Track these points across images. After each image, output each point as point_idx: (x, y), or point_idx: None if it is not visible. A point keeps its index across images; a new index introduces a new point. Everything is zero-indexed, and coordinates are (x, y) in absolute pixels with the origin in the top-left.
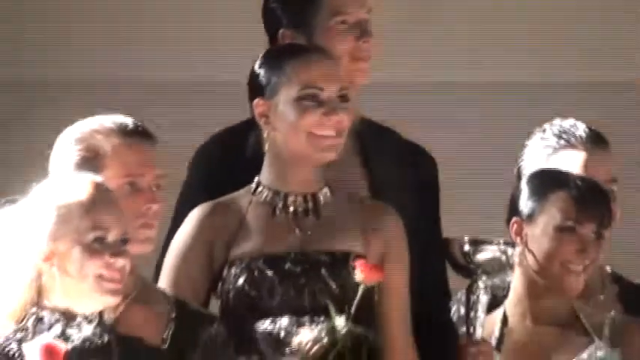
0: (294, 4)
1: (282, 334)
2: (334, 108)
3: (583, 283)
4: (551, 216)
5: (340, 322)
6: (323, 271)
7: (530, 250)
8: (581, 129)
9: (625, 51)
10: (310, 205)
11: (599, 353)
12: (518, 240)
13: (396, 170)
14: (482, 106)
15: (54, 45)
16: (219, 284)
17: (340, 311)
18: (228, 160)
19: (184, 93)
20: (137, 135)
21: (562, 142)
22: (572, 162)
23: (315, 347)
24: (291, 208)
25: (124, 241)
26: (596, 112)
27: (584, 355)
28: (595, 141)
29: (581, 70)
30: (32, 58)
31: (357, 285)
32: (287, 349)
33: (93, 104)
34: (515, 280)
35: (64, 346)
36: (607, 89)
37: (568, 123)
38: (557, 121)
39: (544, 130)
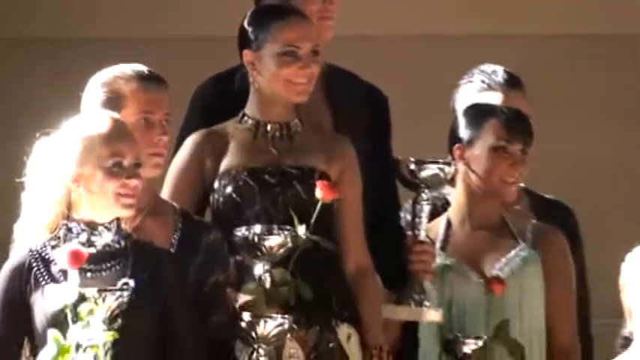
0: None
1: (256, 239)
2: (308, 62)
3: (516, 192)
4: (486, 139)
5: (301, 230)
6: (294, 182)
7: (472, 169)
8: (500, 75)
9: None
10: (284, 131)
11: (523, 253)
12: (461, 162)
13: (354, 107)
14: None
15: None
16: (211, 195)
17: (305, 220)
18: (219, 95)
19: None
20: (151, 80)
21: (484, 85)
22: (492, 100)
23: (281, 250)
24: (269, 134)
25: (137, 165)
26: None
27: (511, 254)
28: (510, 84)
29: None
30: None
31: (318, 200)
32: (258, 252)
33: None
34: (458, 194)
35: (86, 251)
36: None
37: (490, 69)
38: (482, 67)
39: (472, 75)
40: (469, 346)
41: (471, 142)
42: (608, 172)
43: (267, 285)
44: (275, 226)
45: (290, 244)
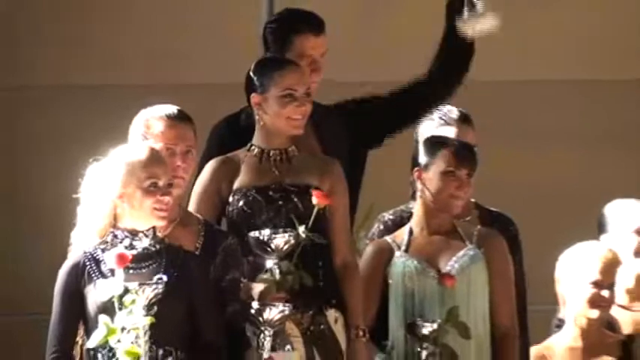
0: (276, 41)
1: (266, 239)
2: (303, 102)
3: (461, 206)
4: (439, 165)
5: (301, 230)
6: (293, 196)
7: (427, 188)
8: (454, 113)
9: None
10: (284, 156)
11: (470, 252)
12: (419, 182)
13: (336, 134)
14: None
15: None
16: (227, 208)
17: (302, 224)
18: (230, 131)
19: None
20: (175, 119)
21: (442, 121)
22: (448, 133)
23: (286, 246)
24: (272, 158)
25: (170, 185)
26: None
27: (461, 253)
28: (463, 120)
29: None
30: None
31: (314, 206)
32: (269, 249)
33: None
34: (418, 207)
35: (129, 253)
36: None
37: (446, 108)
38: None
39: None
40: (427, 329)
41: (427, 167)
42: (546, 192)
43: (277, 275)
44: (281, 229)
45: (293, 242)
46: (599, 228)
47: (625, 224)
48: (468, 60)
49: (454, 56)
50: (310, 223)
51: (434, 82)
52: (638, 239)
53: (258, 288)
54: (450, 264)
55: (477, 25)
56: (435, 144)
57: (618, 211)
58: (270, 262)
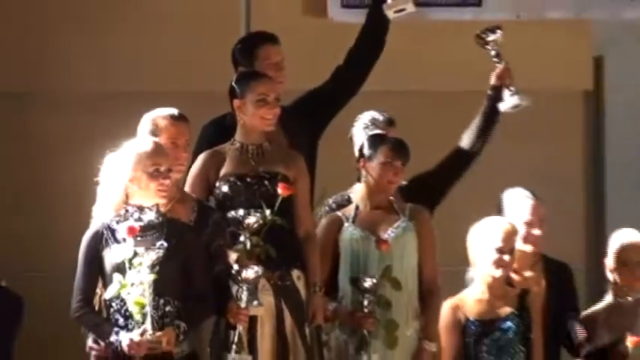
0: (244, 57)
1: (240, 218)
2: (273, 105)
3: (395, 189)
4: (379, 157)
5: (268, 212)
6: (266, 182)
7: (370, 175)
8: (380, 117)
9: None
10: (259, 150)
11: (403, 224)
12: (363, 170)
13: (296, 130)
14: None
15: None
16: (214, 191)
17: (271, 207)
18: (216, 130)
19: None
20: (177, 119)
21: (371, 124)
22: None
23: (256, 225)
24: (250, 151)
25: (169, 170)
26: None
27: (396, 224)
28: (388, 123)
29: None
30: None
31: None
32: (242, 226)
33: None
34: (363, 189)
35: (137, 225)
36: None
37: (374, 113)
38: (368, 113)
39: (362, 118)
40: (368, 283)
41: (370, 158)
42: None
43: (248, 247)
44: (252, 210)
45: (261, 221)
46: (497, 211)
47: (515, 214)
48: (382, 37)
49: (370, 34)
50: (275, 208)
51: (352, 63)
52: (525, 229)
53: (234, 255)
54: (388, 232)
55: (394, 6)
56: (377, 140)
57: (511, 202)
58: (242, 237)
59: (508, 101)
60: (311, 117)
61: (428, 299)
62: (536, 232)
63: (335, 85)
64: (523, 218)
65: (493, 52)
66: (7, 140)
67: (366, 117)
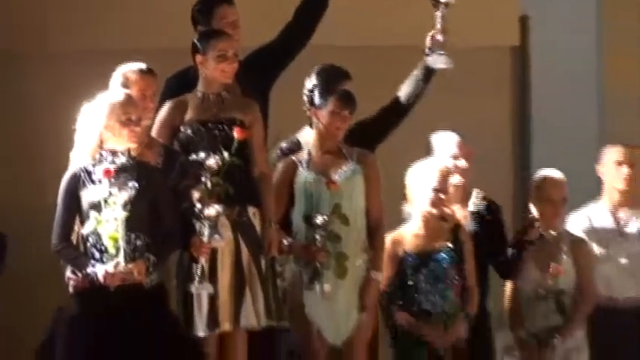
0: (203, 17)
1: (201, 160)
2: (232, 60)
3: (343, 135)
4: (328, 107)
5: (226, 154)
6: (225, 127)
7: (321, 122)
8: (335, 71)
9: None
10: (219, 98)
11: (351, 167)
12: (314, 118)
13: (249, 81)
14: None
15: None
16: (179, 135)
17: (229, 150)
18: (180, 82)
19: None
20: (145, 72)
21: (324, 77)
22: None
23: (215, 166)
24: (211, 100)
25: (139, 119)
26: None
27: (345, 167)
28: (342, 76)
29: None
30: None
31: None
32: (203, 168)
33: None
34: (314, 135)
35: (112, 168)
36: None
37: (325, 67)
38: (325, 66)
39: (316, 70)
40: (319, 220)
41: (320, 108)
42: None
43: (209, 186)
44: (212, 153)
45: (220, 163)
46: (427, 151)
47: (443, 150)
48: None
49: None
50: (233, 150)
51: (299, 19)
52: (453, 162)
53: (196, 194)
54: (338, 175)
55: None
56: (327, 92)
57: (439, 141)
58: (204, 177)
59: (437, 60)
60: (263, 70)
61: (374, 234)
62: (461, 163)
63: (284, 40)
64: (450, 152)
65: (440, 14)
66: None
67: (317, 69)
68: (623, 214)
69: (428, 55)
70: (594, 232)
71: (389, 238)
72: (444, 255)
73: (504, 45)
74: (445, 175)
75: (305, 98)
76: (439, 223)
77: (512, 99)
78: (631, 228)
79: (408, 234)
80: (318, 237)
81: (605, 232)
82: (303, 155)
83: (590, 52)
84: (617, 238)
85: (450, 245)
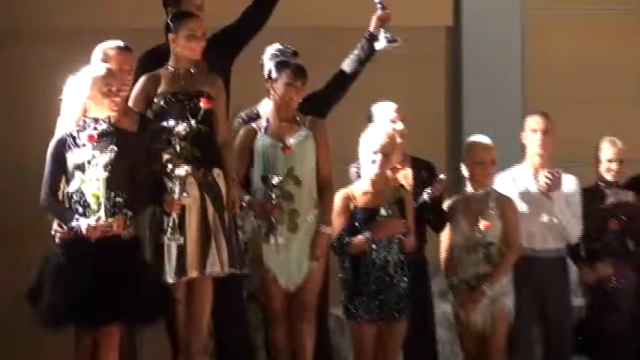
0: (173, 1)
1: (171, 127)
2: (200, 39)
3: (297, 104)
4: (283, 78)
5: (193, 122)
6: (194, 98)
7: (277, 93)
8: (285, 49)
9: None
10: (188, 72)
11: (304, 133)
12: (271, 89)
13: (215, 58)
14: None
15: None
16: (152, 106)
17: (195, 118)
18: (153, 59)
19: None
20: (123, 48)
21: (278, 54)
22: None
23: (183, 132)
24: (181, 74)
25: (119, 90)
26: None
27: (298, 133)
28: (292, 54)
29: None
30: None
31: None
32: (172, 133)
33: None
34: (272, 105)
35: (95, 133)
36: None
37: (280, 46)
38: (275, 45)
39: (270, 48)
40: (275, 180)
41: (276, 80)
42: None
43: (178, 150)
44: (180, 120)
45: (188, 129)
46: (368, 119)
47: (382, 117)
48: None
49: None
50: (199, 118)
51: (257, 3)
52: (392, 126)
53: (167, 157)
54: (292, 140)
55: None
56: (282, 65)
57: (379, 109)
58: (173, 142)
59: (382, 42)
60: (225, 48)
61: (324, 192)
62: (399, 126)
63: (244, 22)
64: (388, 117)
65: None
66: None
67: (273, 48)
68: (541, 175)
69: (372, 37)
70: (518, 192)
71: (341, 195)
72: (389, 211)
73: (440, 25)
74: (391, 139)
75: (265, 73)
76: (384, 182)
77: (446, 73)
78: (547, 180)
79: (358, 191)
80: (273, 196)
81: (528, 192)
82: (262, 123)
83: (515, 33)
84: (537, 196)
85: (393, 203)
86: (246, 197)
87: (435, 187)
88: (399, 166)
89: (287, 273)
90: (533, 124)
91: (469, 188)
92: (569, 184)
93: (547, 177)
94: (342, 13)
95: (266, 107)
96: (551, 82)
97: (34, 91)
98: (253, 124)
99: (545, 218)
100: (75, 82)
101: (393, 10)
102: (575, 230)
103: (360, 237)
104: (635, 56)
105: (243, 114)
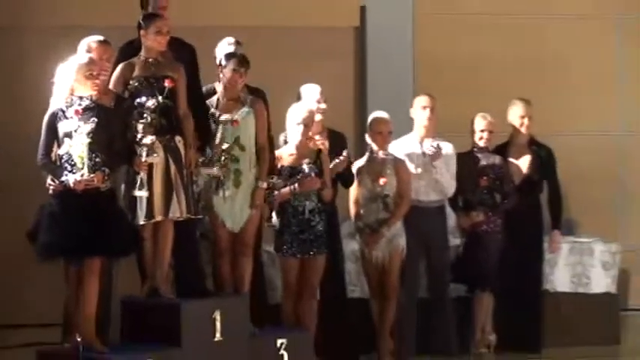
0: (143, 3)
1: (143, 102)
2: (166, 34)
3: (241, 87)
4: (230, 65)
5: (160, 98)
6: (161, 80)
7: (225, 77)
8: (233, 41)
9: None
10: (156, 61)
11: (246, 109)
12: (221, 74)
13: (179, 51)
14: None
15: None
16: (128, 87)
17: (162, 95)
18: (129, 50)
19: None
20: (102, 42)
21: (227, 45)
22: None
23: (153, 106)
24: (150, 62)
25: (99, 74)
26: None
27: (241, 109)
28: (238, 44)
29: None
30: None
31: (167, 87)
32: (144, 108)
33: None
34: (221, 88)
35: (80, 108)
36: None
37: (229, 39)
38: (225, 39)
39: (221, 42)
40: (224, 146)
41: (225, 66)
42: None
43: (148, 120)
44: (150, 97)
45: (156, 104)
46: (297, 98)
47: (310, 97)
48: None
49: None
50: (164, 95)
51: None
52: (316, 105)
53: (140, 126)
54: (237, 115)
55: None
56: (230, 54)
57: (306, 91)
58: (145, 114)
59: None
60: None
61: (260, 155)
62: (322, 105)
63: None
64: (314, 97)
65: None
66: None
67: (224, 41)
68: (426, 142)
69: None
70: (408, 155)
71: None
72: (309, 169)
73: (349, 25)
74: (309, 114)
75: (217, 61)
76: (306, 147)
77: (354, 65)
78: (431, 152)
79: (285, 153)
80: (222, 158)
81: (415, 155)
82: (214, 101)
83: (408, 33)
84: (422, 159)
85: (313, 163)
86: (201, 159)
87: (341, 162)
88: (317, 137)
89: (232, 218)
90: (422, 102)
91: (372, 153)
92: (447, 149)
93: (430, 150)
94: (275, 13)
95: (219, 88)
96: (436, 72)
97: (35, 76)
98: (207, 101)
99: (428, 177)
100: (64, 69)
101: (309, 12)
102: (450, 186)
103: (285, 189)
104: (503, 54)
105: (203, 89)
